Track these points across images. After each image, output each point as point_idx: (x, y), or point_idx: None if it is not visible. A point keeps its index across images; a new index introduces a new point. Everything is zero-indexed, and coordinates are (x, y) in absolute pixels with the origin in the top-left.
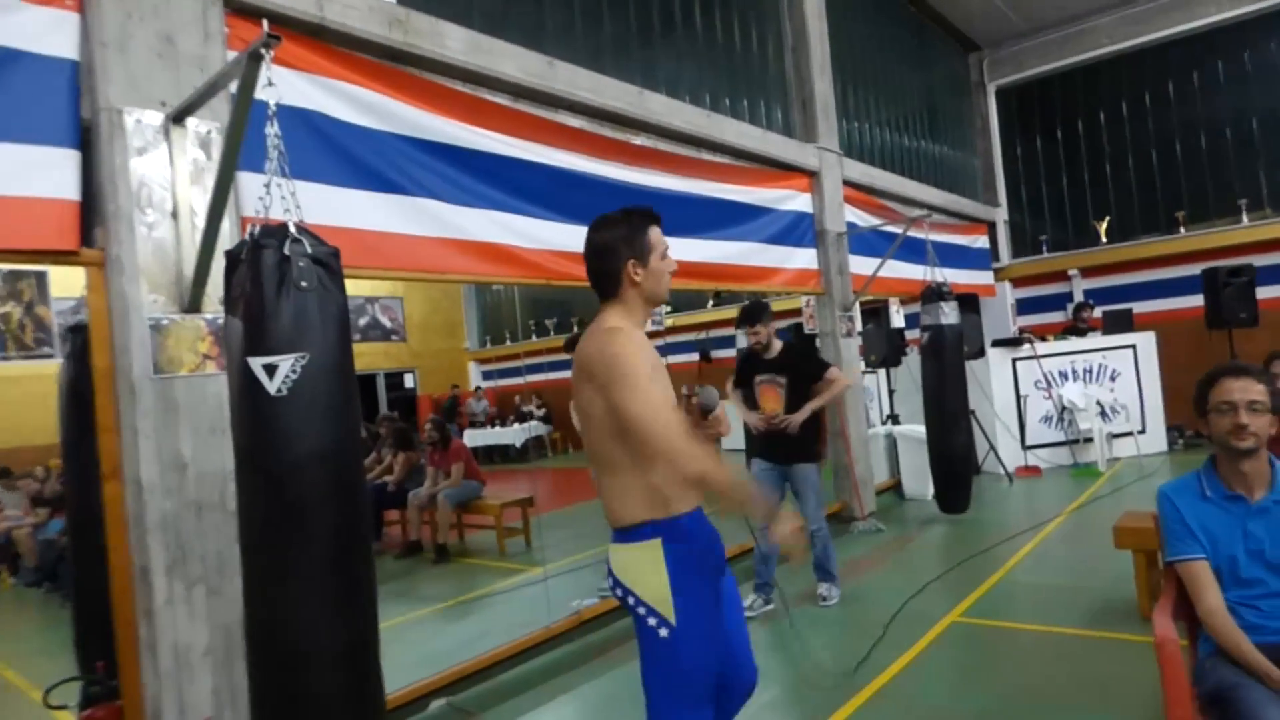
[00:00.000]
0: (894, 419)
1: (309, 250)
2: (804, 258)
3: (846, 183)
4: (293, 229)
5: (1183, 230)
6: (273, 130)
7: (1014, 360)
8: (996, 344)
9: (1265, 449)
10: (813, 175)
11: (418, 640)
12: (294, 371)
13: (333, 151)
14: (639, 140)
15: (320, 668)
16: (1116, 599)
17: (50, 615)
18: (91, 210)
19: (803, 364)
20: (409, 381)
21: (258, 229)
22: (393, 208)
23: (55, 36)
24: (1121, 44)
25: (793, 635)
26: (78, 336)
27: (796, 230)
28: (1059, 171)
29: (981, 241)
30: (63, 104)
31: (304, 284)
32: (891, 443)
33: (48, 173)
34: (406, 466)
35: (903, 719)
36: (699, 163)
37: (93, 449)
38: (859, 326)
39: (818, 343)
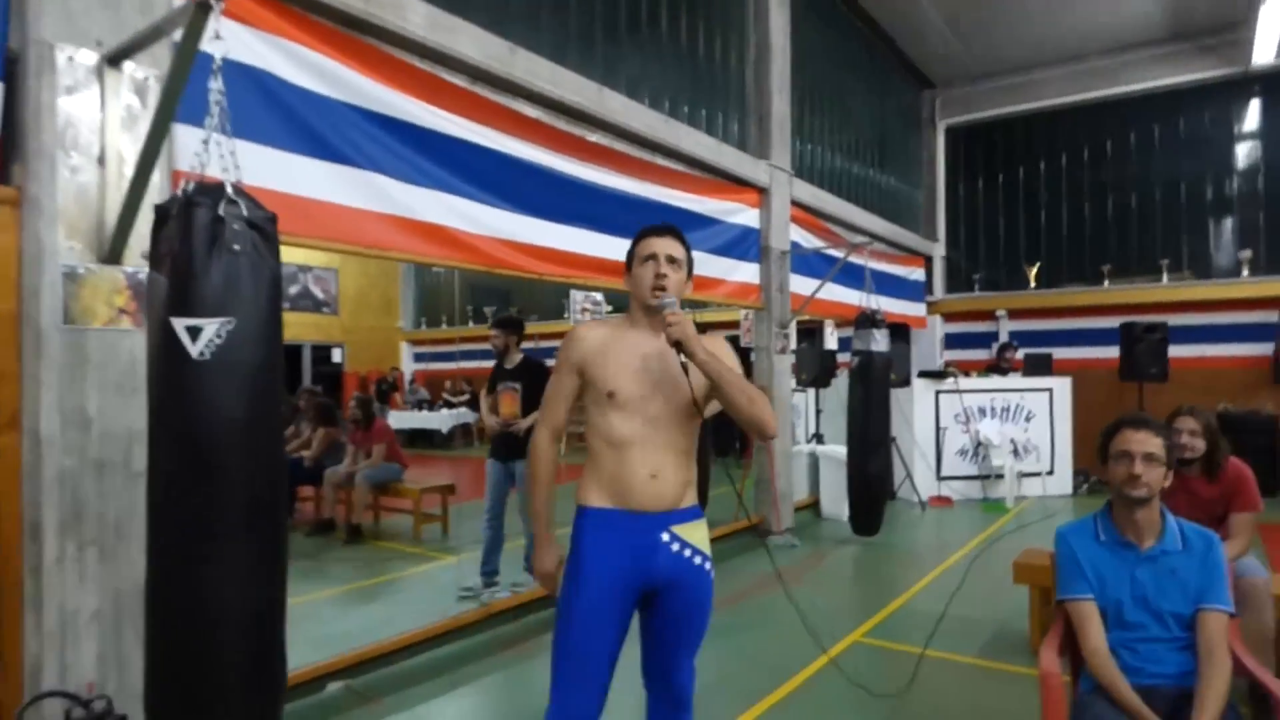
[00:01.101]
0: (819, 438)
1: (245, 213)
2: (747, 272)
3: (795, 203)
4: (229, 189)
5: (1106, 283)
6: (216, 85)
7: (937, 392)
8: (922, 375)
9: (1158, 500)
10: (763, 191)
11: (321, 620)
12: (219, 336)
13: (280, 114)
14: (595, 137)
15: (227, 633)
16: (1010, 631)
17: None
18: (10, 146)
19: (535, 376)
20: (336, 356)
21: (192, 185)
22: (338, 178)
23: None
24: (1067, 98)
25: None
26: None
27: (742, 244)
28: (997, 213)
29: (918, 274)
30: None
31: (236, 247)
32: (814, 461)
33: None
34: (325, 442)
35: None
36: (653, 167)
37: None
38: (794, 344)
39: (752, 357)
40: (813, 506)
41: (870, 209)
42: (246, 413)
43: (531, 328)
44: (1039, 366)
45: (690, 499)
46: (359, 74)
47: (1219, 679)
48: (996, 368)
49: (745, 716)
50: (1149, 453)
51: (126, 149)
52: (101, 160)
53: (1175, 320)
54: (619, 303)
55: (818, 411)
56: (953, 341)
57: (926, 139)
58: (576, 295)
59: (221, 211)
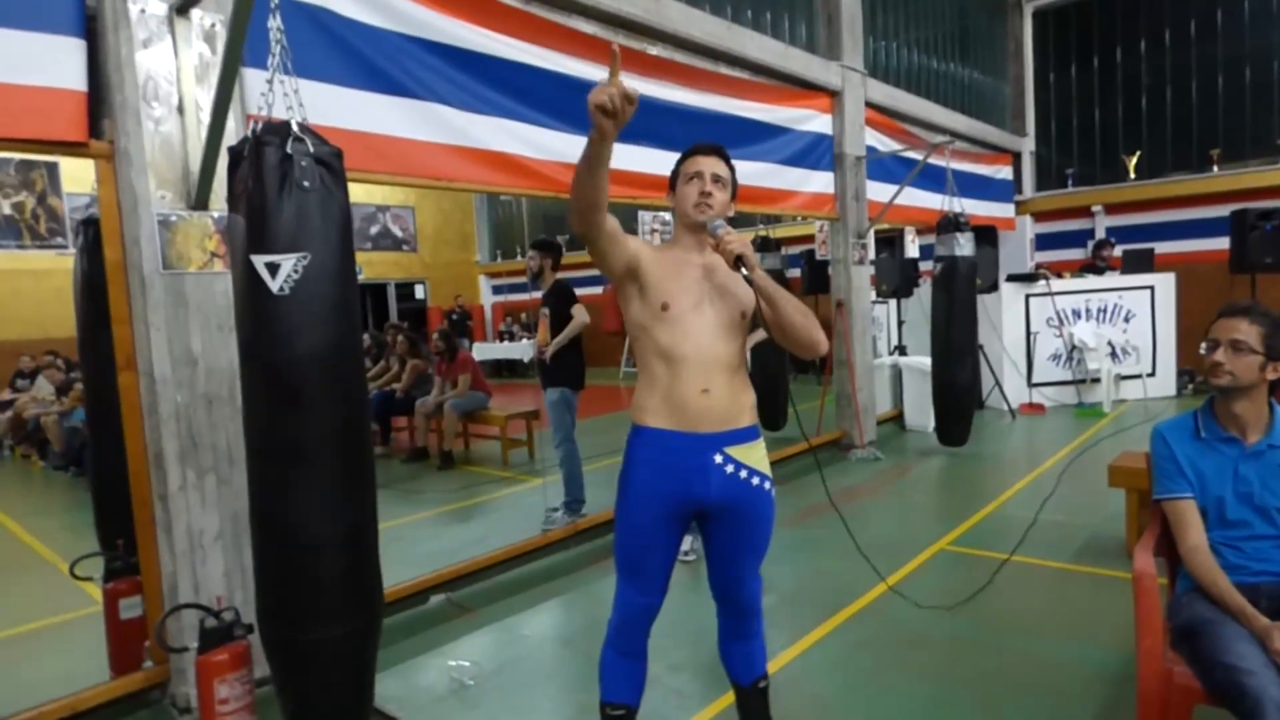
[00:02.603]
0: (901, 350)
1: (311, 150)
2: (820, 181)
3: (869, 104)
4: (295, 127)
5: (1215, 169)
6: (275, 24)
7: (1027, 296)
8: (1011, 279)
9: (1263, 391)
10: (835, 95)
11: (420, 539)
12: (296, 271)
13: (339, 50)
14: (655, 50)
15: (321, 550)
16: (1106, 536)
17: (76, 497)
18: (99, 102)
19: (560, 301)
20: (419, 292)
21: (260, 126)
22: (400, 111)
23: None
24: None
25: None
26: (90, 229)
27: (814, 152)
28: (1091, 102)
29: (1005, 172)
30: None
31: (306, 184)
32: (897, 373)
33: (54, 61)
34: (414, 375)
35: (882, 636)
36: (717, 77)
37: (108, 341)
38: (872, 254)
39: (829, 270)
40: (897, 419)
41: (951, 106)
42: (326, 342)
43: None
44: (1139, 263)
45: (747, 419)
46: (412, 2)
47: None
48: (1092, 267)
49: (821, 628)
50: (1236, 339)
51: (202, 97)
52: (180, 109)
53: None
54: None
55: (900, 323)
56: (1045, 242)
57: (1012, 26)
58: (645, 216)
59: (289, 149)
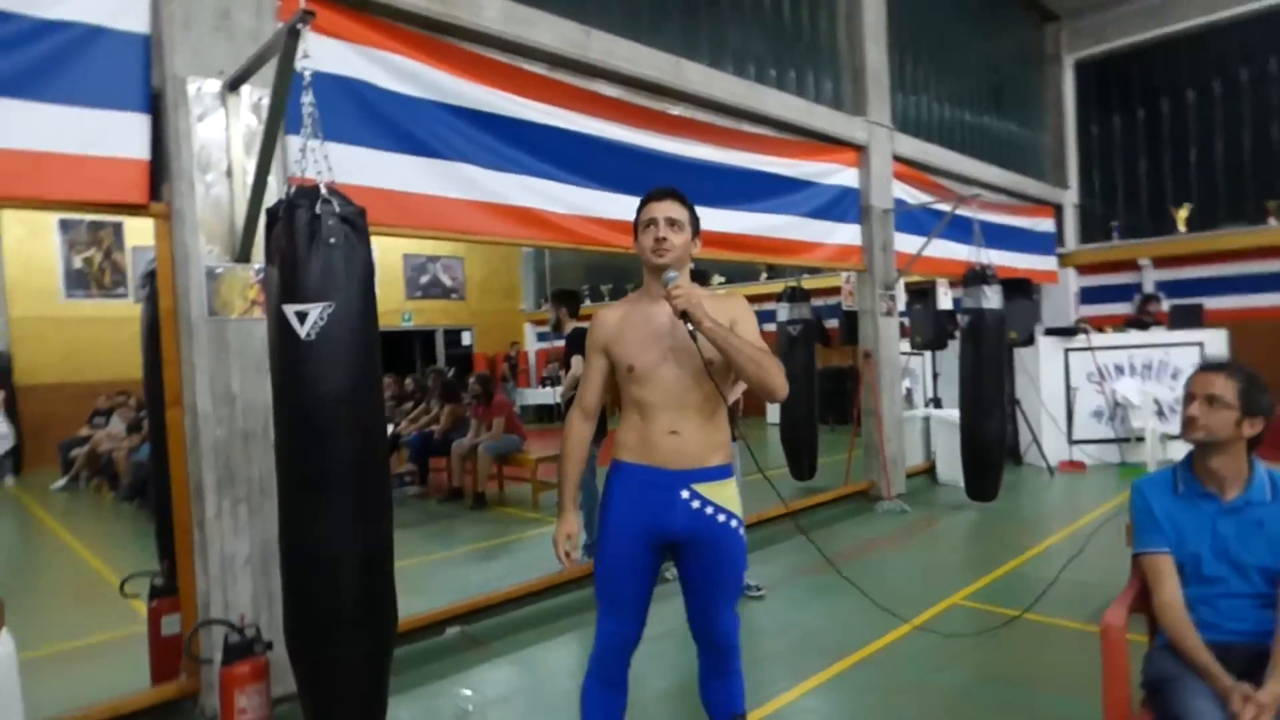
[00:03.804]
0: (936, 402)
1: (337, 210)
2: (846, 233)
3: (897, 158)
4: (324, 190)
5: (1272, 221)
6: (307, 100)
7: (1066, 350)
8: (1050, 332)
9: (1241, 447)
10: (861, 149)
11: (447, 575)
12: (321, 319)
13: (374, 117)
14: (676, 110)
15: (339, 573)
16: None
17: (139, 526)
18: (159, 168)
19: (572, 348)
20: (466, 339)
21: (293, 189)
22: (429, 171)
23: (130, 13)
24: (1216, 14)
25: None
26: (152, 281)
27: (840, 205)
28: (1137, 153)
29: (1046, 224)
30: (136, 73)
31: (332, 240)
32: (929, 426)
33: (123, 135)
34: (451, 417)
35: (882, 684)
36: (739, 134)
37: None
38: (900, 306)
39: (823, 322)
40: (929, 472)
41: (987, 159)
42: (348, 384)
43: None
44: (1187, 319)
45: (717, 459)
46: (442, 72)
47: None
48: (1137, 322)
49: (825, 672)
50: (1211, 394)
51: (248, 162)
52: (229, 173)
53: None
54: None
55: (934, 375)
56: (1090, 296)
57: (1051, 77)
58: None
59: (318, 210)
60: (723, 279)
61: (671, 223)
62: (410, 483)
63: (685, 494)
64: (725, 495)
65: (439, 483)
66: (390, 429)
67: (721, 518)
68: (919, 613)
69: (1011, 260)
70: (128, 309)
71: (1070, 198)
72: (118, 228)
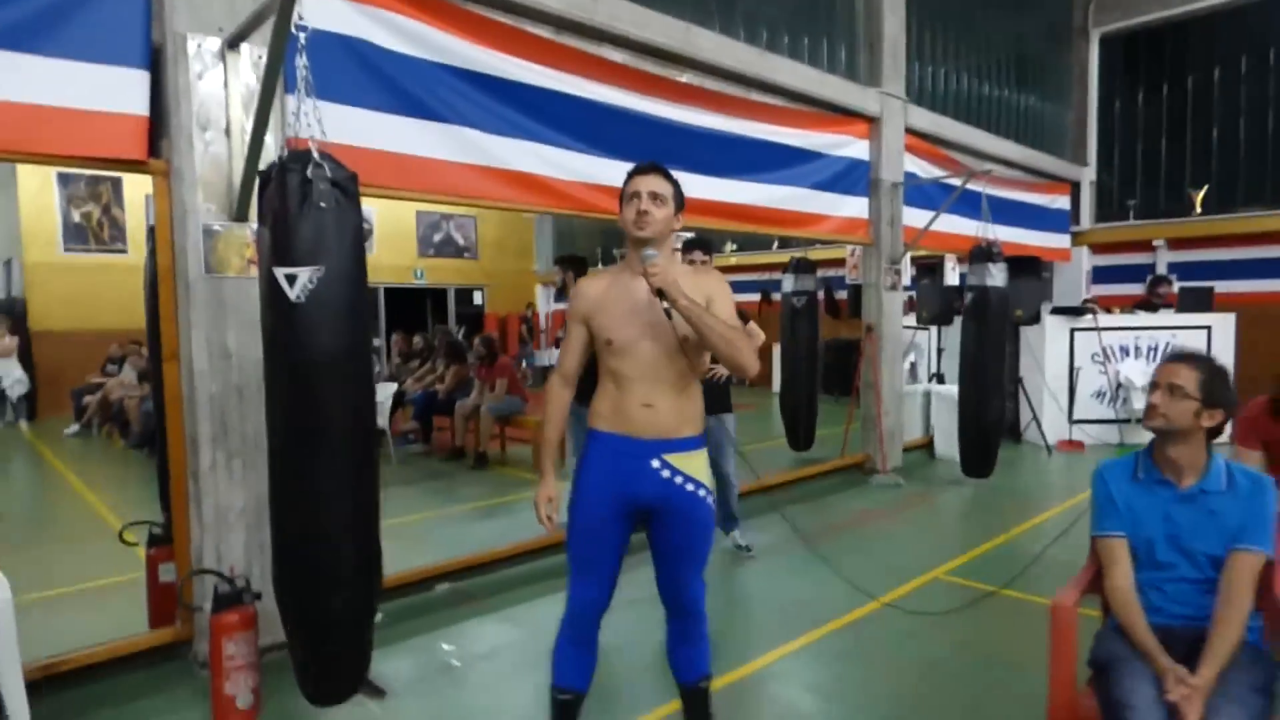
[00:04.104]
0: (939, 378)
1: (329, 173)
2: (854, 206)
3: (910, 131)
4: (315, 154)
5: None
6: (302, 62)
7: (1072, 330)
8: (1056, 311)
9: (1200, 437)
10: (872, 121)
11: (446, 533)
12: (311, 282)
13: (375, 78)
14: (685, 78)
15: (326, 527)
16: None
17: (147, 473)
18: (158, 125)
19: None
20: (478, 298)
21: (285, 152)
22: (429, 133)
23: None
24: None
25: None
26: (152, 237)
27: (849, 177)
28: (1159, 132)
29: (1061, 202)
30: (137, 29)
31: (323, 204)
32: (929, 401)
33: (123, 90)
34: (456, 378)
35: (853, 653)
36: (748, 103)
37: None
38: (906, 280)
39: (835, 294)
40: (927, 447)
41: (1004, 134)
42: (336, 347)
43: None
44: (1197, 302)
45: (689, 430)
46: (446, 33)
47: (1234, 621)
48: (1147, 303)
49: (801, 639)
50: (1173, 384)
51: (247, 121)
52: (228, 132)
53: None
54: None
55: (939, 350)
56: (1102, 275)
57: (1077, 51)
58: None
59: (309, 173)
60: (735, 246)
61: (654, 196)
62: (414, 440)
63: (656, 463)
64: (695, 466)
65: (442, 441)
66: (396, 386)
67: (690, 487)
68: (901, 585)
69: (1024, 237)
70: (141, 258)
71: (1088, 175)
72: (116, 183)
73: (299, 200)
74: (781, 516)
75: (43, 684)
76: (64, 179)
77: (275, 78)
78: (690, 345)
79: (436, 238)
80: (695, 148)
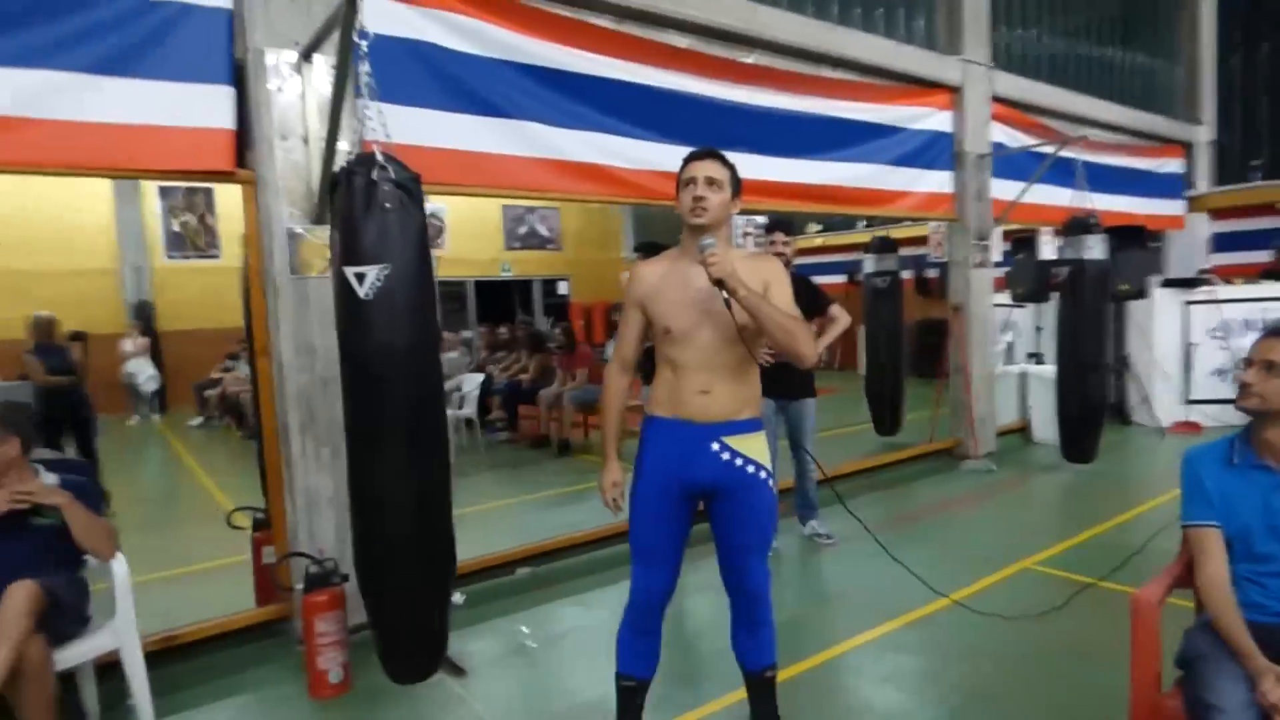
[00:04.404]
0: (1037, 358)
1: (393, 175)
2: (936, 180)
3: (997, 98)
4: (379, 157)
5: None
6: (364, 69)
7: (1186, 303)
8: (1168, 284)
9: None
10: (954, 91)
11: (528, 519)
12: (379, 280)
13: (439, 78)
14: (751, 58)
15: (396, 514)
16: None
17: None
18: (244, 136)
19: (814, 296)
20: (563, 288)
21: (352, 156)
22: (494, 130)
23: None
24: None
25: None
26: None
27: (930, 151)
28: None
29: (1172, 165)
30: (221, 48)
31: (387, 205)
32: (1025, 382)
33: (212, 106)
34: (539, 367)
35: (931, 646)
36: (817, 80)
37: None
38: (996, 257)
39: (924, 273)
40: (1023, 430)
41: (1104, 95)
42: (403, 340)
43: None
44: None
45: (747, 413)
46: (506, 30)
47: None
48: (1274, 272)
49: (877, 629)
50: (1270, 360)
51: (322, 129)
52: (306, 140)
53: None
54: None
55: (1037, 329)
56: (1223, 243)
57: (1188, 2)
58: (738, 220)
59: (374, 176)
60: (820, 227)
61: (710, 182)
62: (501, 429)
63: (715, 446)
64: (754, 447)
65: (528, 430)
66: (482, 377)
67: (750, 469)
68: (986, 575)
69: (1128, 205)
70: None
71: (1203, 135)
72: (208, 193)
73: (364, 202)
74: (848, 511)
75: (161, 655)
76: (163, 191)
77: (344, 85)
78: (748, 334)
79: (521, 230)
80: (764, 129)
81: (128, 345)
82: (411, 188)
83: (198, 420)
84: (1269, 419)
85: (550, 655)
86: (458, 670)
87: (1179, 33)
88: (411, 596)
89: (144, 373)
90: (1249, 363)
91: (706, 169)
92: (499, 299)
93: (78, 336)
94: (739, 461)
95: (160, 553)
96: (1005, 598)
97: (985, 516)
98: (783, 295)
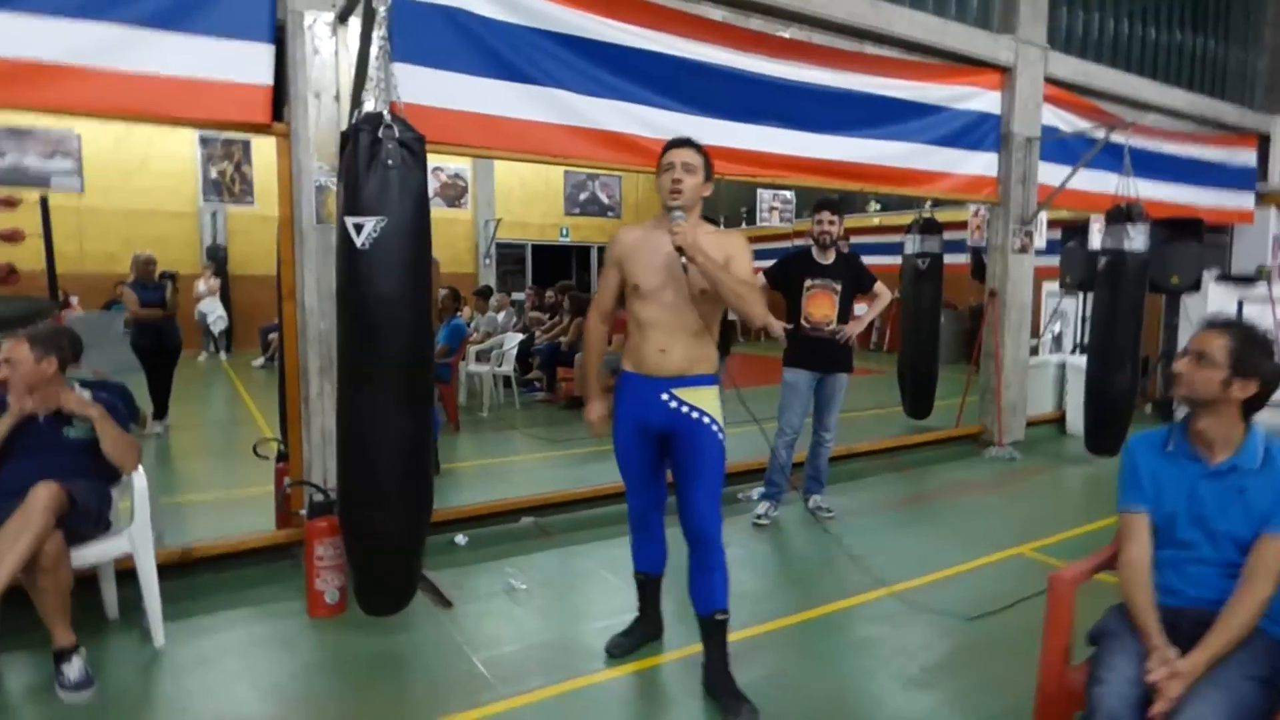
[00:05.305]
0: (1083, 348)
1: (398, 135)
2: (979, 163)
3: (1051, 80)
4: (386, 116)
5: None
6: (379, 33)
7: (1241, 300)
8: (1222, 279)
9: (1234, 409)
10: (1005, 71)
11: (548, 473)
12: (375, 231)
13: (470, 42)
14: (789, 32)
15: (379, 453)
16: None
17: None
18: (281, 92)
19: (859, 273)
20: None
21: (359, 115)
22: (521, 95)
23: None
24: None
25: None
26: None
27: (975, 132)
28: None
29: (1245, 157)
30: (264, 7)
31: (390, 162)
32: (1063, 373)
33: (253, 63)
34: (578, 331)
35: (900, 621)
36: (858, 56)
37: None
38: (1041, 243)
39: (984, 257)
40: (1058, 421)
41: (1171, 81)
42: (396, 290)
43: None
44: None
45: (699, 369)
46: None
47: (1245, 608)
48: None
49: (842, 602)
50: (1201, 351)
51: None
52: (338, 98)
53: None
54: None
55: (1084, 319)
56: None
57: None
58: (764, 194)
59: (380, 134)
60: (879, 206)
61: (686, 167)
62: (539, 389)
63: (665, 396)
64: (702, 398)
65: (565, 390)
66: (522, 337)
67: (695, 415)
68: (977, 558)
69: (1190, 196)
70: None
71: None
72: (246, 144)
73: (368, 158)
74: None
75: (181, 568)
76: (203, 140)
77: (368, 47)
78: (706, 298)
79: (582, 196)
80: (797, 103)
81: (201, 286)
82: (415, 147)
83: (260, 361)
84: (1201, 410)
85: (534, 598)
86: (445, 602)
87: (1258, 16)
88: (385, 537)
89: (214, 313)
90: (1185, 353)
91: (683, 156)
92: (558, 264)
93: (169, 275)
94: (684, 409)
95: (205, 478)
96: (986, 585)
97: (995, 502)
98: (742, 266)
